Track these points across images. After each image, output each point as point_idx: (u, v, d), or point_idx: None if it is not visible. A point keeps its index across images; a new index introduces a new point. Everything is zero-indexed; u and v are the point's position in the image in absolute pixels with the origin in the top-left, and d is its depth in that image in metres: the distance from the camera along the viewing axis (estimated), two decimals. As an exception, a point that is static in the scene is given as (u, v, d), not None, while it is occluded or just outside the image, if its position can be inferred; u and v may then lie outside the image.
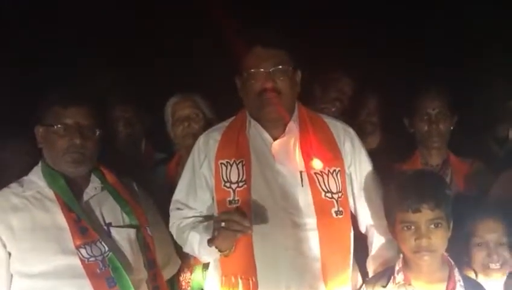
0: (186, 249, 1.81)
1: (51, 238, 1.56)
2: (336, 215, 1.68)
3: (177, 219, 1.80)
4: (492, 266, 1.68)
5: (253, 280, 1.65)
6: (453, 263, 1.60)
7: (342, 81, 2.57)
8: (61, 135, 1.62)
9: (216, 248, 1.62)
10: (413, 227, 1.54)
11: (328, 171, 1.70)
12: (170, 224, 1.83)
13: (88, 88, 2.05)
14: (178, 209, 1.81)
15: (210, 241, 1.59)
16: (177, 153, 2.32)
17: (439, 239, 1.54)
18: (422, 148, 2.14)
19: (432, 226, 1.53)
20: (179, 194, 1.83)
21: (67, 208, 1.59)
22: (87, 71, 2.87)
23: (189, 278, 2.07)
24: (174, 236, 1.83)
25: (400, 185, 1.61)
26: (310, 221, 1.67)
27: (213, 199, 1.77)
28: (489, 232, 1.69)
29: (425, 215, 1.52)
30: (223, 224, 1.55)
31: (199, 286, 2.02)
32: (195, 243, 1.72)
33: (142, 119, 2.49)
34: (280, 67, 1.67)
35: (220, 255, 1.66)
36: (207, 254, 1.73)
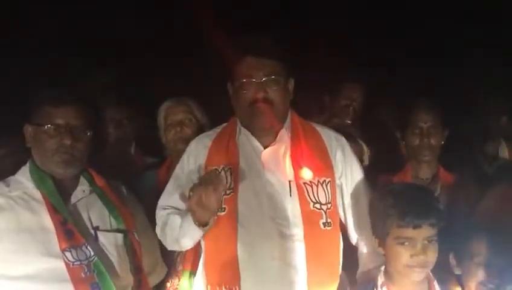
0: (168, 242, 1.76)
1: (36, 240, 1.53)
2: (324, 227, 1.67)
3: (162, 217, 1.77)
4: (490, 285, 1.63)
5: (237, 289, 1.63)
6: (432, 275, 1.59)
7: (350, 88, 2.57)
8: (51, 135, 1.60)
9: (195, 220, 1.59)
10: (407, 243, 1.52)
11: (318, 181, 1.69)
12: (156, 226, 1.80)
13: (80, 88, 2.03)
14: (164, 209, 1.78)
15: (187, 202, 1.56)
16: (169, 158, 2.30)
17: (433, 255, 1.53)
18: (413, 161, 2.15)
19: (426, 242, 1.52)
20: (164, 198, 1.81)
21: (54, 210, 1.57)
22: (80, 71, 2.85)
23: (177, 285, 2.05)
24: (159, 235, 1.79)
25: (397, 199, 1.57)
26: (298, 232, 1.66)
27: None
28: (481, 252, 1.65)
29: (425, 231, 1.51)
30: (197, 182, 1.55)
31: (186, 294, 2.00)
32: (177, 226, 1.68)
33: (133, 122, 2.47)
34: (272, 77, 1.66)
35: (200, 229, 1.61)
36: (188, 234, 1.67)
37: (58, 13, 3.11)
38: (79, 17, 3.12)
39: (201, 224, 1.61)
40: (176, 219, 1.70)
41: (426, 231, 1.51)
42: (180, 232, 1.68)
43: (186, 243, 1.73)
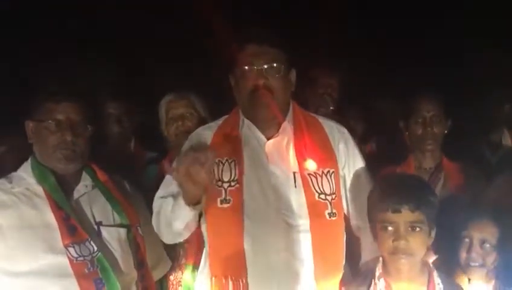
0: (161, 230, 1.68)
1: (39, 237, 1.54)
2: (329, 217, 1.67)
3: (157, 206, 1.69)
4: (472, 264, 1.69)
5: (244, 281, 1.62)
6: (432, 266, 1.60)
7: (324, 75, 2.57)
8: (52, 131, 1.60)
9: (186, 198, 1.52)
10: (391, 228, 1.52)
11: (322, 172, 1.68)
12: (152, 216, 1.70)
13: (80, 84, 2.03)
14: (161, 198, 1.70)
15: (173, 172, 1.46)
16: (170, 152, 2.30)
17: (417, 243, 1.52)
18: (417, 151, 2.15)
19: (410, 229, 1.52)
20: (162, 190, 1.72)
21: (56, 206, 1.57)
22: (79, 67, 2.85)
23: (181, 278, 2.06)
24: (154, 224, 1.70)
25: (382, 186, 1.61)
26: (303, 222, 1.65)
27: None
28: (476, 230, 1.70)
29: (404, 216, 1.51)
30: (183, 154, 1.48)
31: (189, 287, 2.00)
32: (168, 209, 1.61)
33: (132, 117, 2.47)
34: (274, 64, 1.65)
35: (192, 208, 1.54)
36: (180, 216, 1.60)
37: (59, 10, 3.11)
38: (79, 14, 3.12)
39: (193, 202, 1.54)
40: (169, 202, 1.62)
41: (406, 216, 1.51)
42: (172, 215, 1.61)
43: (179, 226, 1.64)
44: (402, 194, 1.53)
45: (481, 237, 1.70)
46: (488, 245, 1.69)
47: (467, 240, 1.72)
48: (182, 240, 1.77)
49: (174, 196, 1.61)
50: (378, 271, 1.58)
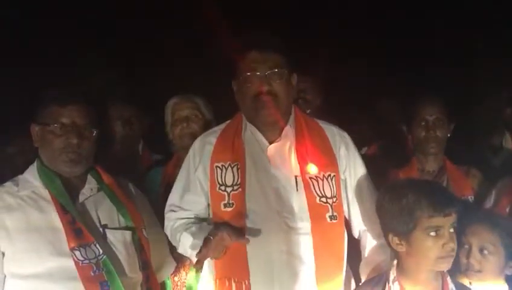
0: (179, 250, 1.81)
1: (46, 240, 1.55)
2: (330, 220, 1.69)
3: (172, 221, 1.80)
4: (471, 269, 1.69)
5: (246, 283, 1.65)
6: (445, 271, 1.58)
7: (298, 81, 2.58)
8: (57, 135, 1.61)
9: None
10: (437, 232, 1.50)
11: (323, 176, 1.70)
12: (165, 226, 1.83)
13: (85, 87, 2.04)
14: (172, 211, 1.81)
15: (198, 254, 1.58)
16: (176, 154, 2.31)
17: (455, 243, 1.53)
18: (419, 154, 2.16)
19: (452, 230, 1.51)
20: (173, 197, 1.83)
21: (62, 209, 1.58)
22: (85, 70, 2.87)
23: (185, 279, 2.07)
24: (169, 237, 1.83)
25: (419, 193, 1.54)
26: (304, 225, 1.68)
27: (208, 202, 1.77)
28: (475, 236, 1.70)
29: (452, 218, 1.51)
30: (211, 237, 1.57)
31: (193, 288, 2.02)
32: (188, 246, 1.72)
33: (141, 120, 2.48)
34: (276, 70, 1.66)
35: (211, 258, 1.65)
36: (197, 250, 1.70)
37: (65, 13, 3.12)
38: (85, 17, 3.14)
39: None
40: (187, 239, 1.72)
41: (453, 218, 1.51)
42: (192, 252, 1.70)
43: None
44: (449, 197, 1.54)
45: (480, 244, 1.69)
46: (486, 252, 1.69)
47: (466, 246, 1.71)
48: None
49: (191, 232, 1.71)
50: (393, 274, 1.57)
